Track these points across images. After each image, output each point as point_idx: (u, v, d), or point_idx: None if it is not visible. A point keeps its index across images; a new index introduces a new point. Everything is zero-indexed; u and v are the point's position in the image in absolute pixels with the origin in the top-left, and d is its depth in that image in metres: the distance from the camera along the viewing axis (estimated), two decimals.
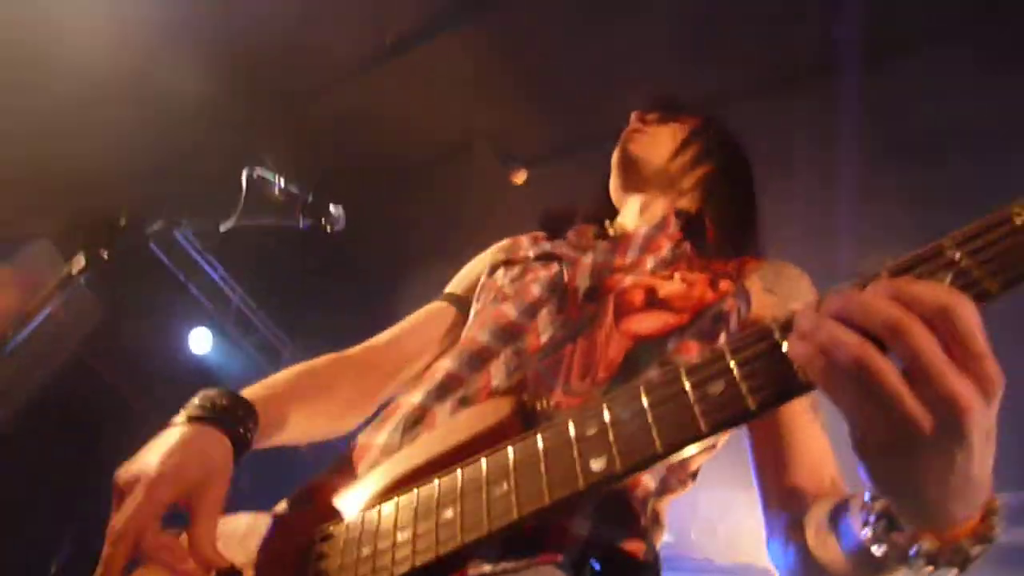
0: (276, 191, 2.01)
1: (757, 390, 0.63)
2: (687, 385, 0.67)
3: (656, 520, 1.08)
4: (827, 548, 0.81)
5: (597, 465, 0.68)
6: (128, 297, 4.70)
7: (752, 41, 3.55)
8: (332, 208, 2.08)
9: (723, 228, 1.36)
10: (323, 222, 2.05)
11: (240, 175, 1.95)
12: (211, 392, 1.03)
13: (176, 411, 1.00)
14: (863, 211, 3.96)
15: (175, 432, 0.94)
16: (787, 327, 0.63)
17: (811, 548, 0.85)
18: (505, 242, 1.53)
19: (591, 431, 0.71)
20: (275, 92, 4.31)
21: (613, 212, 1.56)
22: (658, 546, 1.09)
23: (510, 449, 0.77)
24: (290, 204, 2.09)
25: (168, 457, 0.89)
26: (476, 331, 1.22)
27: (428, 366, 1.30)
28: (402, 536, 0.78)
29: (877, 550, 0.70)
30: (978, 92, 3.35)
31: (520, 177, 4.16)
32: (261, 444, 1.09)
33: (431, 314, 1.46)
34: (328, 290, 5.11)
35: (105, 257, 1.67)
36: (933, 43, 3.33)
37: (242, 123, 4.34)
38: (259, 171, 1.98)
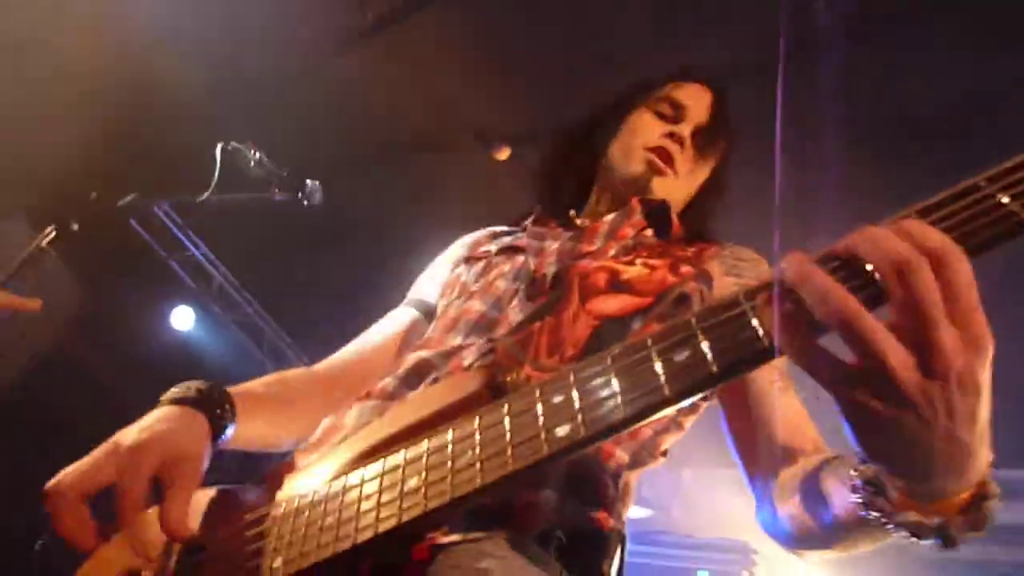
0: (252, 165, 1.99)
1: (720, 355, 0.62)
2: (653, 353, 0.66)
3: (627, 491, 1.09)
4: (815, 513, 0.81)
5: (562, 431, 0.68)
6: (109, 275, 4.66)
7: (734, 17, 3.51)
8: (308, 182, 2.07)
9: (689, 222, 1.40)
10: (299, 196, 2.05)
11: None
12: (191, 381, 1.06)
13: (158, 389, 1.04)
14: (841, 200, 3.93)
15: (155, 411, 0.98)
16: (752, 295, 0.63)
17: (798, 513, 0.84)
18: (464, 239, 1.52)
19: (557, 399, 0.70)
20: (255, 77, 4.24)
21: (576, 199, 1.52)
22: (626, 516, 1.09)
23: (476, 418, 0.76)
24: (267, 179, 2.08)
25: (149, 428, 0.92)
26: (447, 329, 1.22)
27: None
28: (366, 504, 0.77)
29: (862, 515, 0.68)
30: (967, 75, 3.33)
31: (503, 154, 4.11)
32: (235, 442, 1.10)
33: (394, 323, 1.44)
34: (312, 269, 5.08)
35: (75, 229, 1.66)
36: (919, 21, 3.30)
37: (224, 108, 4.27)
38: (233, 145, 1.96)
